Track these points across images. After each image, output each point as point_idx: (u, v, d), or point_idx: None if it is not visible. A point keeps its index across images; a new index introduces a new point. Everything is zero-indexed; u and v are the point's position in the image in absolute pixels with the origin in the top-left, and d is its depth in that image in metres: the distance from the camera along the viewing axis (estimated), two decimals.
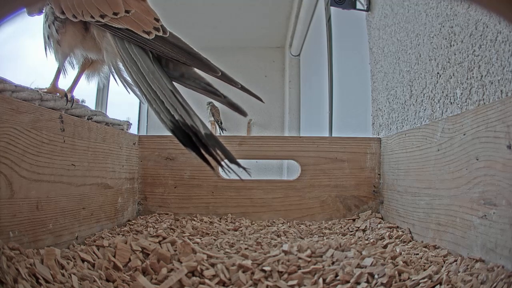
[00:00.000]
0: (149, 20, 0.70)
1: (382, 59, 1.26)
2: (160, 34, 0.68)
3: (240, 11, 3.72)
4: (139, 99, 0.68)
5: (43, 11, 0.79)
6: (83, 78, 0.90)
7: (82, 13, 0.71)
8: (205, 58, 0.66)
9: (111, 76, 0.77)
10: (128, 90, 0.71)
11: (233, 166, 0.58)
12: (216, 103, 4.27)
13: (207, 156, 0.57)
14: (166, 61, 0.68)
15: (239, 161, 0.57)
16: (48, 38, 0.79)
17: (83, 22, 0.74)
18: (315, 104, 3.11)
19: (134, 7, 0.71)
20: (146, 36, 0.68)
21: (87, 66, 0.89)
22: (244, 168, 0.57)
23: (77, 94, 0.86)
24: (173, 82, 0.66)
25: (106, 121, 0.93)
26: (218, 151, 0.57)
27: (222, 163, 0.57)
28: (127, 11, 0.70)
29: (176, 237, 0.71)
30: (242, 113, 0.61)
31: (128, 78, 0.69)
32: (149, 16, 0.71)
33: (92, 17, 0.70)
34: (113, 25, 0.69)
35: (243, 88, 0.64)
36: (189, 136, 0.58)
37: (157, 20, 0.71)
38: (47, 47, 0.81)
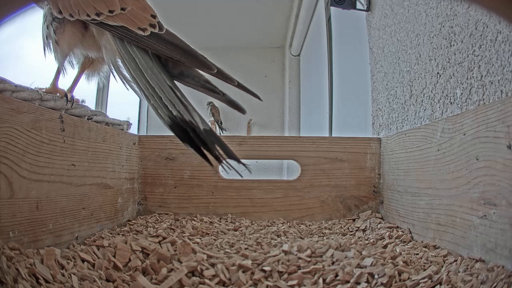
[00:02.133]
0: (145, 16, 0.69)
1: (382, 59, 1.26)
2: (156, 30, 0.68)
3: (240, 11, 3.72)
4: (138, 96, 0.67)
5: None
6: (83, 78, 0.90)
7: (79, 12, 0.71)
8: (201, 55, 0.64)
9: (111, 76, 0.76)
10: (127, 87, 0.70)
11: (233, 163, 0.57)
12: (216, 103, 4.29)
13: (206, 152, 0.57)
14: (165, 59, 0.67)
15: None
16: (47, 38, 0.79)
17: (82, 20, 0.74)
18: (315, 104, 3.11)
19: (130, 4, 0.71)
20: (141, 33, 0.67)
21: (87, 66, 0.89)
22: (244, 165, 0.56)
23: (77, 94, 0.86)
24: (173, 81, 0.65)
25: (106, 121, 0.93)
26: (218, 148, 0.56)
27: (221, 158, 0.56)
28: (122, 9, 0.70)
29: (176, 237, 0.71)
30: (241, 110, 0.60)
31: (127, 75, 0.68)
32: (146, 13, 0.71)
33: (88, 15, 0.70)
34: (109, 23, 0.69)
35: (239, 86, 0.62)
36: (188, 132, 0.57)
37: (154, 16, 0.71)
38: (46, 48, 0.81)
